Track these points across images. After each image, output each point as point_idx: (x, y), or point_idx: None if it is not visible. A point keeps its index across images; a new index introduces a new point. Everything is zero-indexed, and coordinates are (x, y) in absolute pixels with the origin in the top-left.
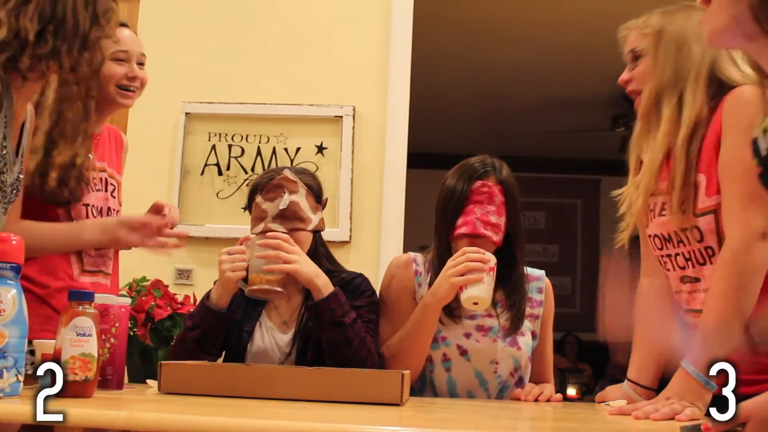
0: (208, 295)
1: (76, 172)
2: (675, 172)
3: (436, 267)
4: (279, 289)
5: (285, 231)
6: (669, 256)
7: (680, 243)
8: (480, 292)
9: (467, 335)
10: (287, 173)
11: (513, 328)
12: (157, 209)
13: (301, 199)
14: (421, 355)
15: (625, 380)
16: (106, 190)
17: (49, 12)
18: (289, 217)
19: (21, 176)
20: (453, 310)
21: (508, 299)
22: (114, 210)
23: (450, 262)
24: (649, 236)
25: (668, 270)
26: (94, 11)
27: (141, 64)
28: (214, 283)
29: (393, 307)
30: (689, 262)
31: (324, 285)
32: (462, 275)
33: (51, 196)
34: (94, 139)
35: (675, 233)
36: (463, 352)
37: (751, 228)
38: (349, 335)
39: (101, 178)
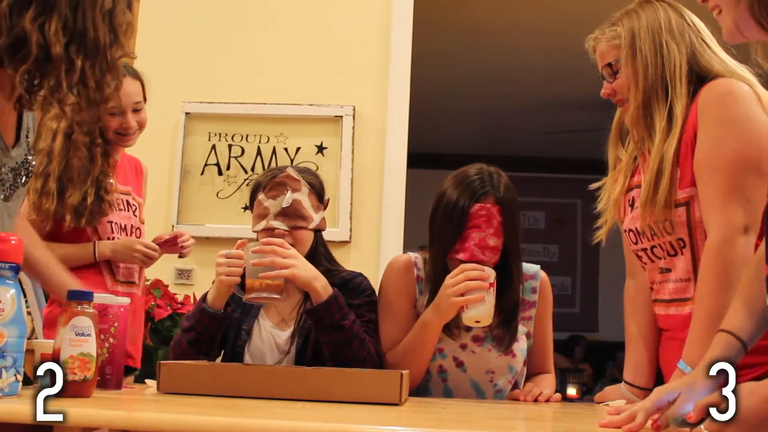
0: (204, 297)
1: (90, 207)
2: (662, 167)
3: (433, 280)
4: (276, 295)
5: (287, 228)
6: (644, 249)
7: (654, 236)
8: (482, 312)
9: (463, 346)
10: (290, 171)
11: (505, 346)
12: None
13: (303, 197)
14: (420, 369)
15: (622, 382)
16: (128, 210)
17: (72, 23)
18: (291, 215)
19: (29, 158)
20: (451, 328)
21: (500, 317)
22: (136, 228)
23: (449, 280)
24: (625, 231)
25: (645, 264)
26: (111, 24)
27: (137, 110)
28: (213, 283)
29: (393, 314)
30: (663, 252)
31: (322, 288)
32: (462, 294)
33: (72, 230)
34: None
35: (649, 226)
36: (459, 364)
37: (733, 222)
38: (349, 337)
39: (124, 200)
